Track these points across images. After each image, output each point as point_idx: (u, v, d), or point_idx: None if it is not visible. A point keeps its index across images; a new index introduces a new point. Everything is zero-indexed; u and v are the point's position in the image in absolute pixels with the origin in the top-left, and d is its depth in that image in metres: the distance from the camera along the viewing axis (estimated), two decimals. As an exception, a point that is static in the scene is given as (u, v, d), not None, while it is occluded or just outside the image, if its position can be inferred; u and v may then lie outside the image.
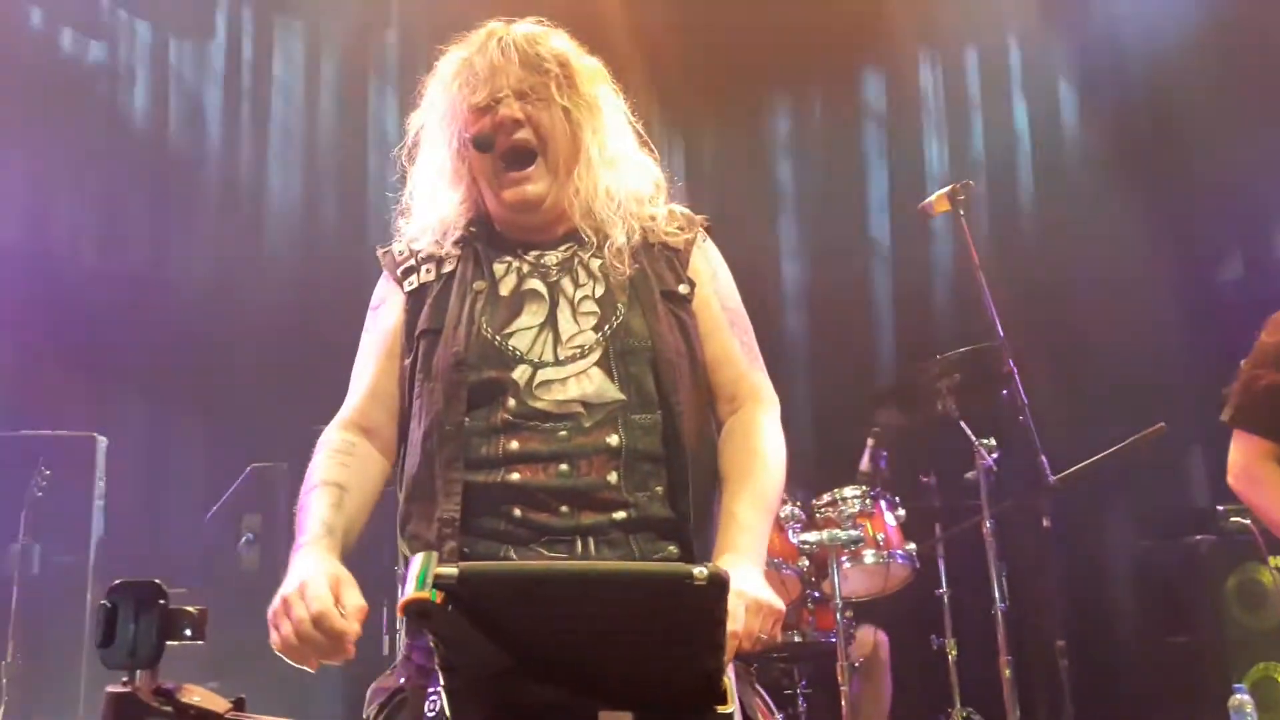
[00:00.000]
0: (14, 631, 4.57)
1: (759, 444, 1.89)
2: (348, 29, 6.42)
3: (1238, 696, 3.61)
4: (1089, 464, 3.90)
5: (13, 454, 4.84)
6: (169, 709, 1.17)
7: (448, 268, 1.94)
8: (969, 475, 4.11)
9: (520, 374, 1.80)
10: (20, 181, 5.71)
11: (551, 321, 1.85)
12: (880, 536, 4.17)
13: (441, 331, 1.86)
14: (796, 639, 4.01)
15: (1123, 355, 5.41)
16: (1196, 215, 5.60)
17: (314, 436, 1.91)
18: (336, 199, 6.22)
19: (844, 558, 4.00)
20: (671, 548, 1.78)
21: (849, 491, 4.21)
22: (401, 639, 1.86)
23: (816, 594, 4.14)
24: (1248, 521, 3.96)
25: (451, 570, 1.22)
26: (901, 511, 4.32)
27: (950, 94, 6.40)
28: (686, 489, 1.79)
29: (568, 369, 1.80)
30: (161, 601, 1.21)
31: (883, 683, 4.30)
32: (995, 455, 3.99)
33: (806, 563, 4.08)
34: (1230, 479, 3.20)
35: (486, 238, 1.96)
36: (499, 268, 1.92)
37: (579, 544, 1.73)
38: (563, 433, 1.76)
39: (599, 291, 1.88)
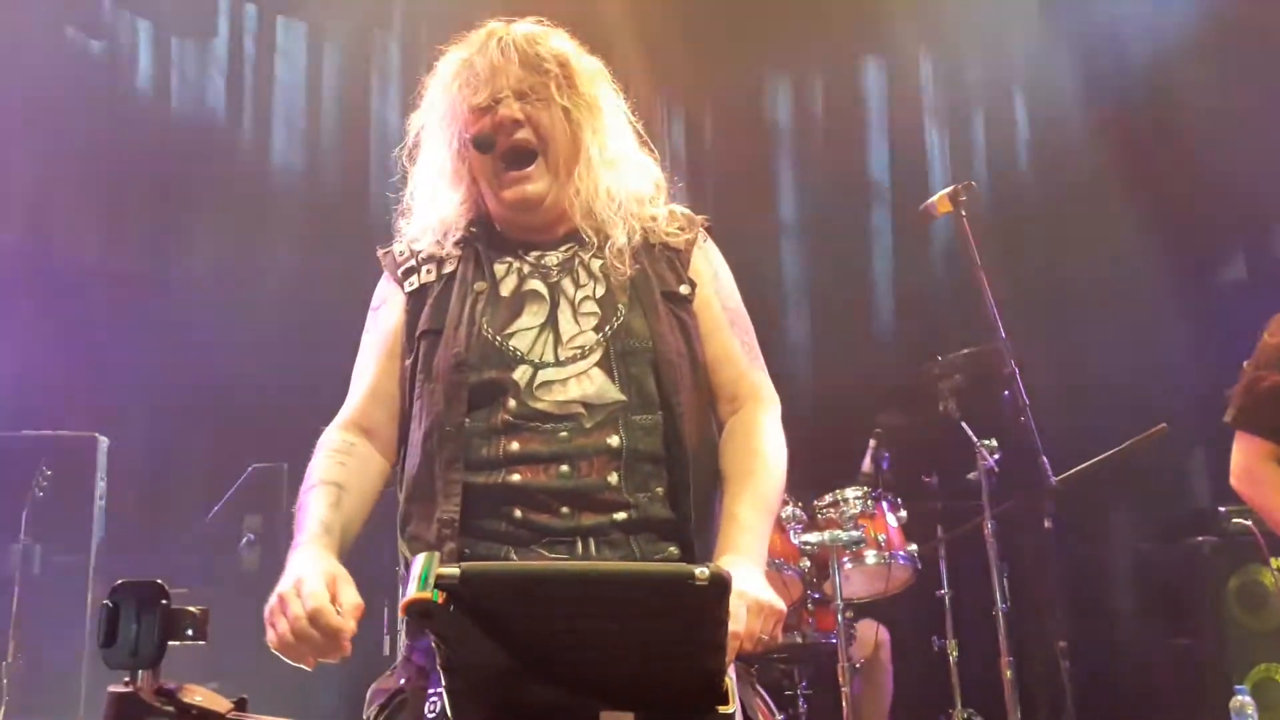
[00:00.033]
0: (15, 631, 4.57)
1: (760, 444, 1.89)
2: (349, 28, 6.42)
3: (1239, 698, 3.60)
4: (1090, 465, 3.90)
5: (14, 454, 4.84)
6: (171, 709, 1.17)
7: (448, 268, 1.93)
8: (970, 476, 4.11)
9: (521, 375, 1.80)
10: (21, 181, 5.71)
11: (552, 322, 1.85)
12: (882, 537, 4.17)
13: (442, 332, 1.85)
14: (798, 640, 4.01)
15: (1124, 356, 5.41)
16: (1199, 216, 5.59)
17: (315, 437, 1.91)
18: (338, 199, 6.22)
19: (845, 559, 4.00)
20: (672, 548, 1.78)
21: (850, 492, 4.21)
22: (402, 640, 1.86)
23: (818, 595, 4.15)
24: (1249, 523, 3.96)
25: (453, 570, 1.22)
26: (903, 512, 4.32)
27: (951, 93, 6.40)
28: (688, 490, 1.79)
29: (568, 370, 1.80)
30: (163, 601, 1.21)
31: (883, 683, 4.30)
32: (997, 456, 3.99)
33: (808, 564, 4.08)
34: (1233, 480, 3.20)
35: (487, 238, 1.96)
36: (500, 268, 1.92)
37: (579, 545, 1.73)
38: (563, 433, 1.76)
39: (600, 292, 1.88)
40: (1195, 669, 4.61)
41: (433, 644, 1.31)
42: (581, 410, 1.77)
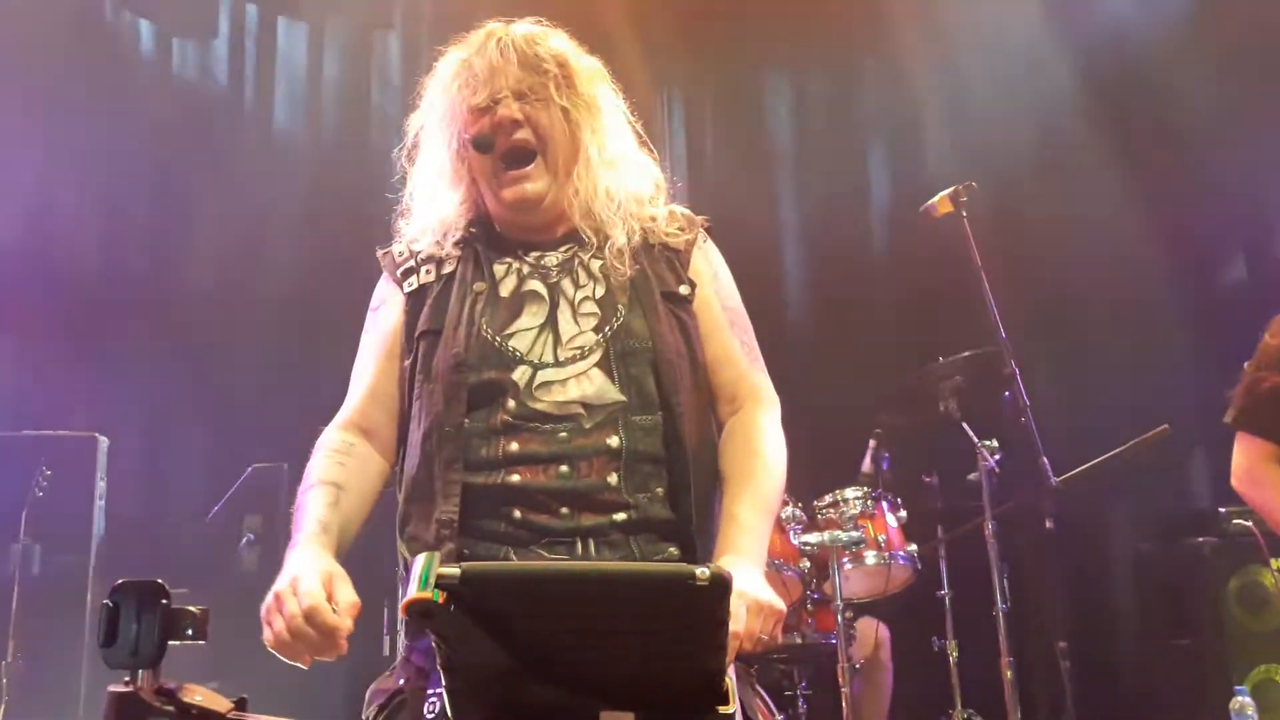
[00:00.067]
0: (15, 631, 4.56)
1: (759, 445, 1.89)
2: (350, 29, 6.42)
3: (1239, 699, 3.60)
4: (1091, 466, 3.90)
5: (14, 454, 4.84)
6: (171, 709, 1.17)
7: (447, 269, 1.93)
8: (971, 477, 4.11)
9: (520, 375, 1.80)
10: (22, 180, 5.71)
11: (551, 322, 1.85)
12: (881, 538, 4.16)
13: (441, 332, 1.85)
14: (797, 640, 4.01)
15: (1125, 357, 5.40)
16: (1199, 217, 5.59)
17: (315, 437, 1.91)
18: (338, 199, 6.21)
19: (845, 559, 4.00)
20: (672, 549, 1.78)
21: (850, 493, 4.21)
22: (401, 640, 1.86)
23: (817, 595, 4.14)
24: (1249, 524, 3.96)
25: (454, 570, 1.22)
26: (903, 513, 4.31)
27: (952, 93, 6.40)
28: (688, 490, 1.79)
29: (568, 370, 1.80)
30: (164, 601, 1.21)
31: (884, 684, 4.30)
32: (998, 457, 3.99)
33: (808, 564, 4.08)
34: (1234, 481, 3.20)
35: (486, 239, 1.96)
36: (499, 269, 1.92)
37: (579, 545, 1.73)
38: (563, 434, 1.76)
39: (599, 292, 1.88)
40: (1195, 669, 4.60)
41: (433, 644, 1.31)
42: (581, 411, 1.77)
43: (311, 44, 6.42)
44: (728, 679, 1.35)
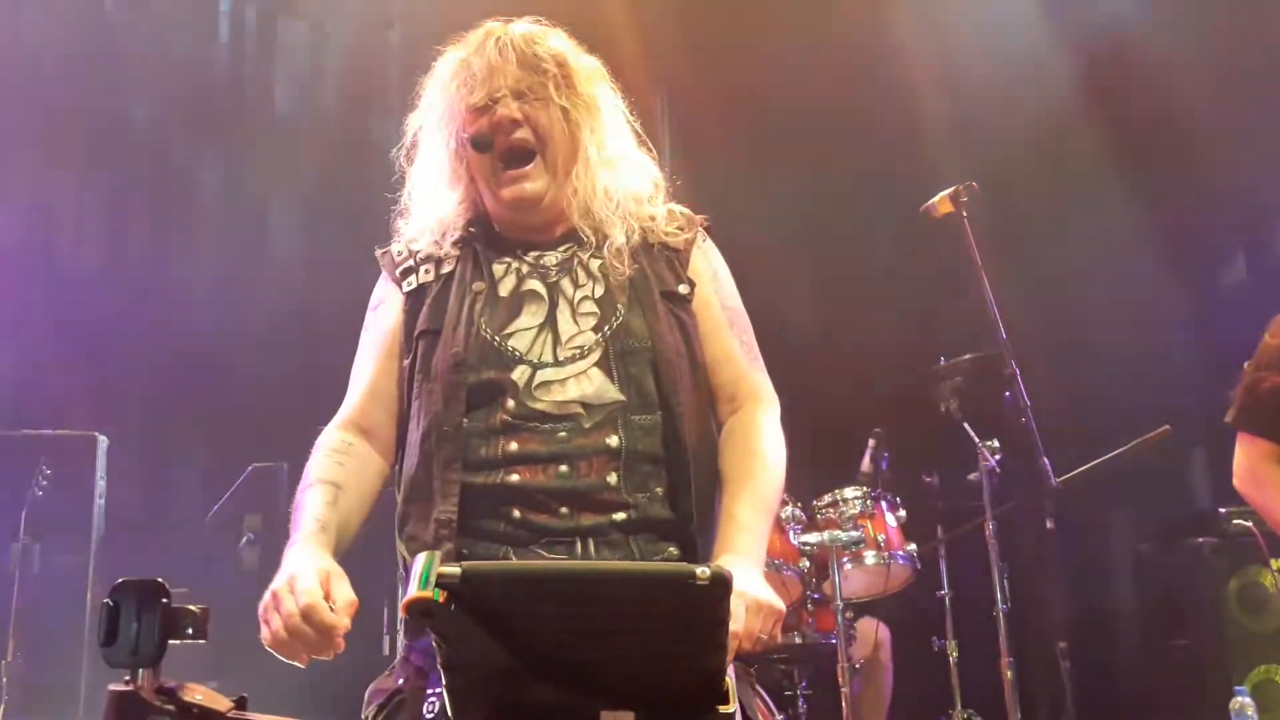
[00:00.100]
0: (14, 631, 4.57)
1: (759, 444, 1.89)
2: (351, 29, 6.41)
3: (1239, 699, 3.61)
4: (1092, 466, 3.90)
5: (14, 453, 4.84)
6: (171, 708, 1.17)
7: (447, 268, 1.93)
8: (972, 477, 4.11)
9: (519, 375, 1.80)
10: (23, 182, 5.71)
11: (551, 322, 1.85)
12: (881, 537, 4.17)
13: (440, 332, 1.85)
14: (797, 640, 4.01)
15: (1125, 357, 5.40)
16: (1199, 217, 5.60)
17: (315, 436, 1.91)
18: (338, 200, 6.21)
19: (845, 559, 4.00)
20: (672, 549, 1.77)
21: (850, 492, 4.21)
22: (401, 639, 1.86)
23: (817, 595, 4.14)
24: (1249, 524, 3.96)
25: (454, 570, 1.21)
26: (902, 512, 4.32)
27: (952, 93, 6.40)
28: (687, 490, 1.79)
29: (567, 370, 1.80)
30: (164, 600, 1.21)
31: (884, 684, 4.30)
32: (998, 457, 3.99)
33: (807, 564, 4.08)
34: (1235, 481, 3.20)
35: (485, 238, 1.96)
36: (498, 268, 1.92)
37: (578, 545, 1.72)
38: (562, 434, 1.76)
39: (598, 292, 1.88)
40: (1195, 669, 4.61)
41: (433, 643, 1.31)
42: (580, 410, 1.77)
43: (312, 44, 6.42)
44: (728, 678, 1.35)
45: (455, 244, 1.95)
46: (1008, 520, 4.01)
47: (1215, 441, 3.49)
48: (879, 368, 6.11)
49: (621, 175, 1.96)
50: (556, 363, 1.80)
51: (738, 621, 1.56)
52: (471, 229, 1.97)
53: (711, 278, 2.00)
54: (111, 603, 1.20)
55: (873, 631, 4.23)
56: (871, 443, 4.67)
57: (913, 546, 4.20)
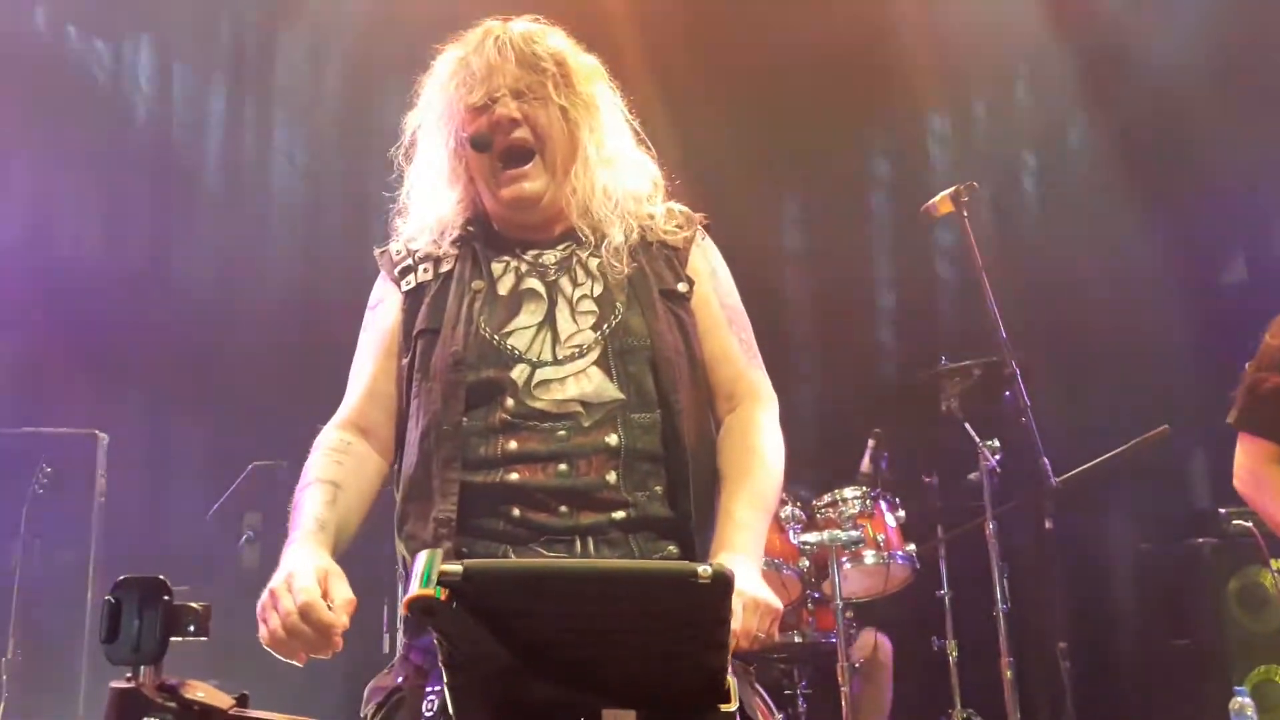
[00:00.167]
0: (15, 628, 4.57)
1: (757, 442, 1.89)
2: (351, 29, 6.41)
3: (1239, 699, 3.60)
4: (1091, 466, 3.90)
5: (14, 451, 4.84)
6: (173, 705, 1.17)
7: (445, 267, 1.93)
8: (971, 476, 4.11)
9: (519, 373, 1.80)
10: (23, 179, 5.71)
11: (550, 321, 1.85)
12: (880, 537, 4.17)
13: (439, 331, 1.85)
14: (797, 639, 4.01)
15: (1126, 357, 5.40)
16: (1200, 218, 5.59)
17: (314, 435, 1.91)
18: (338, 198, 6.22)
19: (844, 558, 4.00)
20: (671, 547, 1.78)
21: (849, 492, 4.21)
22: (400, 638, 1.86)
23: (817, 594, 4.15)
24: (1249, 524, 3.96)
25: (456, 567, 1.21)
26: (902, 512, 4.32)
27: (955, 95, 6.40)
28: (686, 488, 1.79)
29: (566, 368, 1.80)
30: (166, 597, 1.21)
31: (884, 684, 4.30)
32: (998, 457, 3.99)
33: (807, 563, 4.09)
34: (1236, 482, 3.20)
35: (484, 237, 1.96)
36: (497, 267, 1.92)
37: (578, 544, 1.72)
38: (561, 432, 1.76)
39: (597, 290, 1.88)
40: (1195, 670, 4.61)
41: (434, 641, 1.31)
42: (580, 409, 1.77)
43: (312, 43, 6.42)
44: (730, 677, 1.35)
45: (454, 243, 1.95)
46: (1008, 520, 4.01)
47: (1215, 441, 3.49)
48: (879, 367, 6.12)
49: (620, 174, 1.96)
50: (555, 361, 1.80)
51: (735, 620, 1.56)
52: (470, 228, 1.97)
53: (710, 276, 2.00)
54: (113, 600, 1.20)
55: (872, 638, 4.23)
56: (871, 443, 4.67)
57: (912, 546, 4.20)
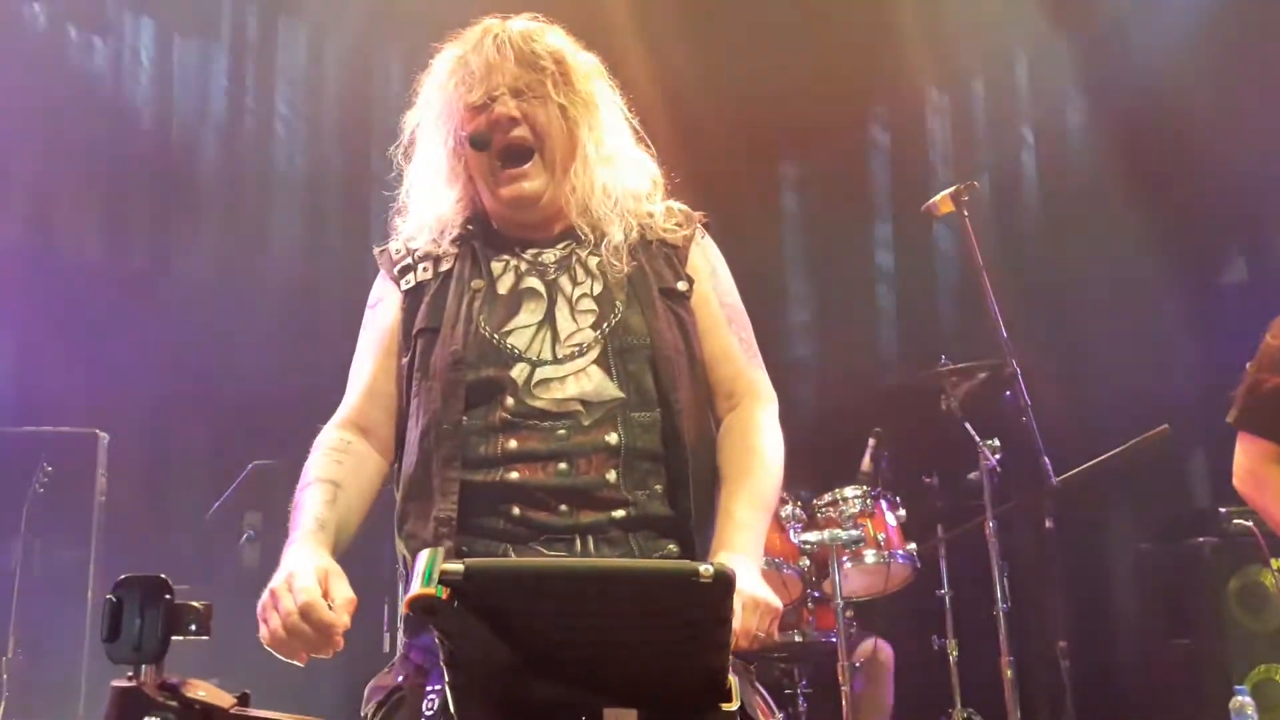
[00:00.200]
0: (15, 627, 4.57)
1: (757, 441, 1.89)
2: (351, 29, 6.41)
3: (1239, 698, 3.60)
4: (1091, 466, 3.90)
5: (14, 450, 4.84)
6: (174, 704, 1.17)
7: (445, 266, 1.93)
8: (972, 476, 4.11)
9: (518, 372, 1.80)
10: (23, 179, 5.70)
11: (550, 320, 1.85)
12: (881, 536, 4.17)
13: (439, 330, 1.85)
14: (797, 639, 4.01)
15: (1126, 357, 5.40)
16: (1200, 218, 5.59)
17: (314, 435, 1.91)
18: (338, 198, 6.22)
19: (845, 558, 4.00)
20: (671, 546, 1.77)
21: (850, 491, 4.21)
22: (401, 637, 1.86)
23: (817, 594, 4.15)
24: (1249, 524, 3.96)
25: (458, 566, 1.21)
26: (902, 512, 4.32)
27: (956, 95, 6.40)
28: (686, 487, 1.79)
29: (566, 367, 1.80)
30: (167, 596, 1.21)
31: (884, 684, 4.30)
32: (998, 456, 3.98)
33: (807, 562, 4.09)
34: (1236, 481, 3.21)
35: (484, 236, 1.96)
36: (496, 266, 1.92)
37: (578, 542, 1.72)
38: (561, 431, 1.76)
39: (597, 289, 1.88)
40: (1195, 669, 4.60)
41: (435, 640, 1.31)
42: (580, 408, 1.77)
43: (313, 42, 6.42)
44: (731, 676, 1.35)
45: (453, 242, 1.95)
46: (1008, 520, 4.01)
47: (1215, 441, 3.49)
48: (880, 367, 6.12)
49: (620, 172, 1.96)
50: (555, 360, 1.80)
51: (736, 619, 1.55)
52: (470, 227, 1.96)
53: (710, 274, 2.00)
54: (115, 598, 1.20)
55: (871, 644, 4.23)
56: (871, 442, 4.67)
57: (912, 546, 4.20)
